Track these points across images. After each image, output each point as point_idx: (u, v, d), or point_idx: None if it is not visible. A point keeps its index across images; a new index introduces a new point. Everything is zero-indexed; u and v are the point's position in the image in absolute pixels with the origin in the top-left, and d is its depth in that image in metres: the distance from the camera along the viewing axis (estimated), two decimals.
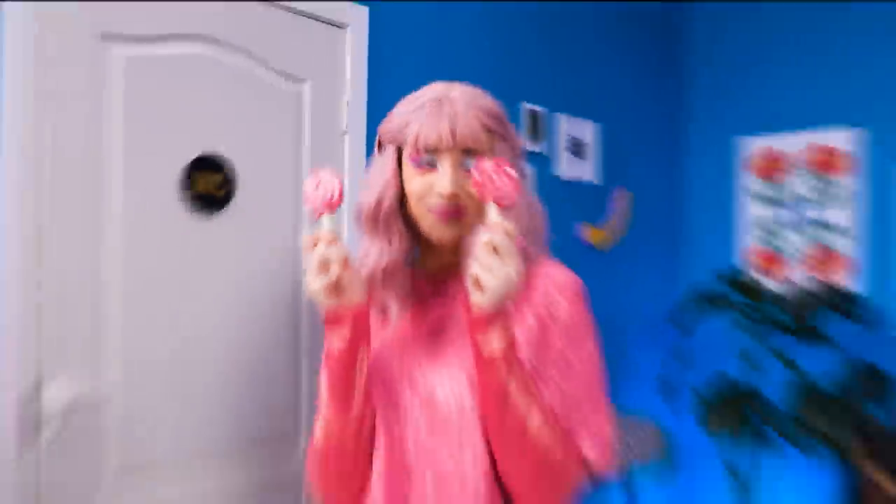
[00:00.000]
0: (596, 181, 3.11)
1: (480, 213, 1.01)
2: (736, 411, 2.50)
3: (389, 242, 1.08)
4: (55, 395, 1.54)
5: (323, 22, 2.10)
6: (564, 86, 2.97)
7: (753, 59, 3.48)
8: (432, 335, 1.09)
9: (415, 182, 1.04)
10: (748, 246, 3.46)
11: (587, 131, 3.06)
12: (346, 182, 2.13)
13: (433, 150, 1.02)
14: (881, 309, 3.09)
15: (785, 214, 3.37)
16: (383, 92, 2.22)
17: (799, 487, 3.28)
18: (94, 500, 1.63)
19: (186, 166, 1.78)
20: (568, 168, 2.97)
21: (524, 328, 1.03)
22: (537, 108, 2.81)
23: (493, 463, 1.00)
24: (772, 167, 3.41)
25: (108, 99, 1.65)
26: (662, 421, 3.36)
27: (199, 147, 1.80)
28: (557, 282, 1.08)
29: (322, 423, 1.04)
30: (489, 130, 1.04)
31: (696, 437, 3.37)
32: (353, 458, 1.04)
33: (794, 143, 3.35)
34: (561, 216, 2.95)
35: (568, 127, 2.96)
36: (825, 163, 3.25)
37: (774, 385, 3.04)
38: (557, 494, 1.00)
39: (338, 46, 2.15)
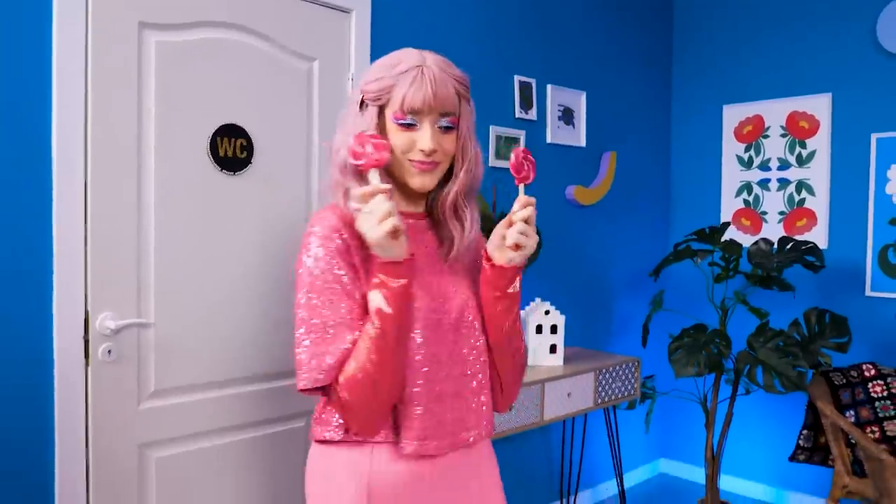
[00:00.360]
0: (585, 146, 3.39)
1: (447, 165, 1.26)
2: (702, 351, 2.80)
3: None
4: (102, 326, 1.90)
5: (330, 7, 2.40)
6: (555, 59, 3.24)
7: (736, 32, 3.71)
8: (430, 269, 1.27)
9: (399, 138, 1.18)
10: (730, 205, 3.73)
11: (577, 100, 3.34)
12: None
13: (415, 112, 1.17)
14: (843, 260, 3.35)
15: (764, 175, 3.62)
16: None
17: (764, 421, 3.58)
18: (134, 415, 1.99)
19: (213, 133, 2.11)
20: (558, 134, 3.26)
21: None
22: (528, 79, 3.09)
23: (491, 364, 1.32)
24: (752, 132, 3.66)
25: (146, 77, 1.98)
26: (643, 361, 3.68)
27: (224, 116, 2.13)
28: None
29: (374, 353, 1.12)
30: (458, 95, 1.21)
31: (672, 375, 3.68)
32: (401, 378, 1.18)
33: (772, 110, 3.59)
34: (552, 178, 3.25)
35: (558, 96, 3.24)
36: (800, 128, 3.49)
37: (742, 328, 3.34)
38: (521, 382, 1.39)
39: (343, 28, 2.45)
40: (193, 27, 2.07)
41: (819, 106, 3.43)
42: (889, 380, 2.92)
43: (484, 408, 1.28)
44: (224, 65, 2.13)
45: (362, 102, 1.21)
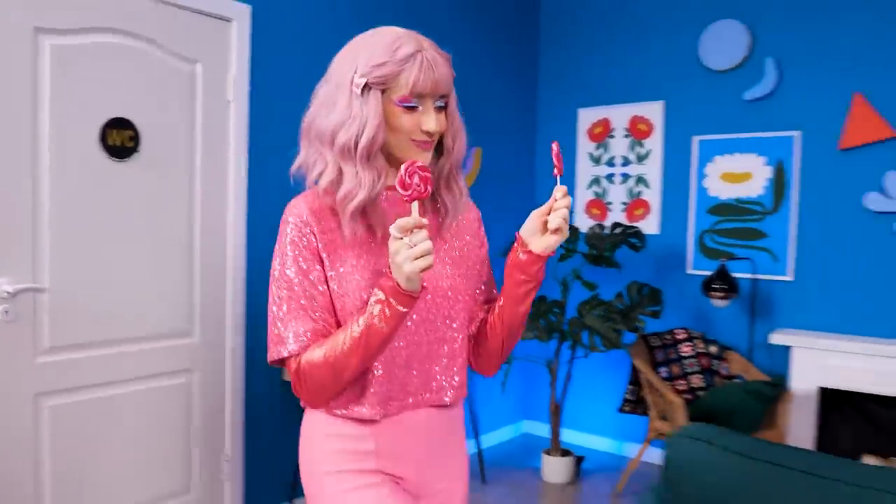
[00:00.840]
0: None
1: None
2: (541, 319, 3.29)
3: (379, 173, 1.23)
4: (0, 290, 2.21)
5: (213, 17, 2.75)
6: None
7: (590, 45, 4.25)
8: None
9: (404, 119, 1.21)
10: (583, 196, 4.26)
11: None
12: (233, 140, 2.81)
13: (421, 95, 1.19)
14: (671, 244, 3.92)
15: (610, 171, 4.17)
16: (263, 69, 2.90)
17: (603, 381, 4.14)
18: (30, 368, 2.31)
19: (103, 125, 2.44)
20: None
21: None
22: None
23: (466, 330, 1.36)
24: (601, 133, 4.20)
25: (41, 75, 2.29)
26: None
27: (114, 111, 2.46)
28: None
29: (347, 349, 1.17)
30: (451, 77, 1.26)
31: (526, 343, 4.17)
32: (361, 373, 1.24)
33: (617, 114, 4.13)
34: None
35: None
36: (639, 129, 4.05)
37: (577, 300, 3.86)
38: None
39: (225, 35, 2.80)
40: (86, 32, 2.39)
41: (654, 111, 3.99)
42: (696, 341, 3.49)
43: (454, 372, 1.34)
44: (115, 66, 2.46)
45: (367, 86, 1.20)
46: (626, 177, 4.11)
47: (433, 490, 1.35)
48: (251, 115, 2.89)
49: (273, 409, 3.02)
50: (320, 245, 1.23)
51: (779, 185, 3.61)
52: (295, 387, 1.24)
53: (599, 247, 3.45)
